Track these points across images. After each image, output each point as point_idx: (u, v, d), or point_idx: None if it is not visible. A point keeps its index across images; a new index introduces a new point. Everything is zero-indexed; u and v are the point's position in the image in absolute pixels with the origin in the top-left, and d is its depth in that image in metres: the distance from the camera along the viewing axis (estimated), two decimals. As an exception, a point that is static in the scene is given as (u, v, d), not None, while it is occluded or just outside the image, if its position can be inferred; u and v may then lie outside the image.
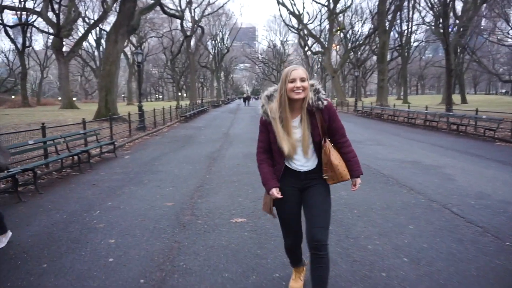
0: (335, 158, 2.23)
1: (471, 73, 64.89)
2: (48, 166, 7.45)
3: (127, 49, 50.37)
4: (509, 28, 35.05)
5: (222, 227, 3.96)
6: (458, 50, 36.43)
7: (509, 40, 37.15)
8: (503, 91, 78.14)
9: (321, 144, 2.25)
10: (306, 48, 55.79)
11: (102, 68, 21.14)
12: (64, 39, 32.34)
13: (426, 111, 17.49)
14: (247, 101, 50.90)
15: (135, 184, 6.16)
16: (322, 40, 45.85)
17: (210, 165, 7.68)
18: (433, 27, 43.12)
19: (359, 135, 12.92)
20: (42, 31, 37.43)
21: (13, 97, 48.08)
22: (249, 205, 4.75)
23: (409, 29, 48.58)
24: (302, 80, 2.16)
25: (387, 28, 33.23)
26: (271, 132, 2.25)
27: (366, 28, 62.02)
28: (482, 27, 40.23)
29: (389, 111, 21.41)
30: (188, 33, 43.57)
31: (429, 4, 39.70)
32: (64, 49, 33.44)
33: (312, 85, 2.24)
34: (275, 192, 2.22)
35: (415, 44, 53.83)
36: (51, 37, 34.84)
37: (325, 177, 2.27)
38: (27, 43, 42.24)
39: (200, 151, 9.70)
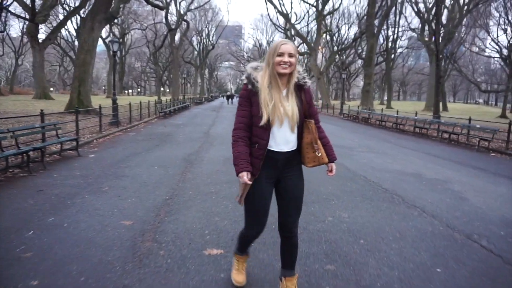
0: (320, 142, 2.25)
1: (451, 82, 65.95)
2: (-11, 165, 6.25)
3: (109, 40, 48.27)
4: (489, 39, 35.48)
5: (191, 263, 2.97)
6: (440, 58, 36.45)
7: (489, 50, 37.65)
8: (481, 100, 79.89)
9: (303, 123, 2.21)
10: (293, 49, 55.09)
11: (77, 57, 19.68)
12: (41, 27, 30.46)
13: (415, 118, 16.92)
14: (230, 99, 49.86)
15: (91, 192, 5.09)
16: (308, 41, 45.22)
17: (185, 170, 6.65)
18: (418, 34, 43.49)
19: (348, 140, 12.13)
20: (16, 16, 35.23)
21: (-16, 84, 45.37)
22: (228, 228, 3.77)
23: (396, 35, 48.71)
24: (290, 55, 2.10)
25: (375, 31, 32.84)
26: (255, 105, 2.12)
27: (353, 31, 62.13)
28: (462, 36, 40.66)
29: (377, 116, 20.82)
30: (173, 27, 42.08)
31: (415, 9, 39.84)
32: (42, 36, 31.55)
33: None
34: (246, 176, 2.07)
35: (400, 50, 54.13)
36: (28, 23, 32.78)
37: (318, 154, 2.23)
38: (1, 28, 39.73)
39: (176, 153, 8.64)
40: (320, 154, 2.23)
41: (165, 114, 21.29)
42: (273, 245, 3.30)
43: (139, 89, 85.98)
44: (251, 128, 2.17)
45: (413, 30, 46.62)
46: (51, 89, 63.67)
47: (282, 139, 2.16)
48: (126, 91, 74.81)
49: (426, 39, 39.73)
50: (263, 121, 2.08)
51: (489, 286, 2.71)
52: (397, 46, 51.03)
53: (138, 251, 3.18)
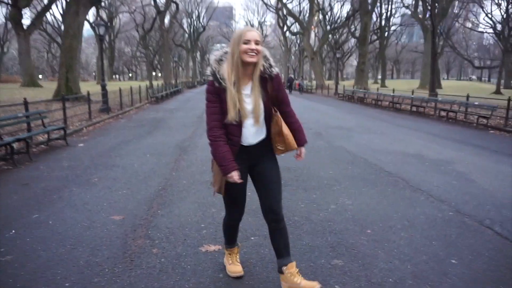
0: (285, 128, 2.22)
1: (444, 59, 65.47)
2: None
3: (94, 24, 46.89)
4: (483, 13, 34.96)
5: (187, 262, 2.74)
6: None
7: (482, 26, 37.17)
8: (474, 77, 79.67)
9: (270, 114, 2.18)
10: (285, 29, 54.16)
11: (62, 42, 18.96)
12: (26, 12, 29.36)
13: (412, 96, 16.67)
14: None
15: (79, 185, 4.80)
16: (301, 20, 44.30)
17: (178, 158, 6.37)
18: (412, 11, 42.75)
19: (345, 121, 11.88)
20: (-3, 1, 33.87)
21: (-31, 73, 44.14)
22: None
23: (389, 12, 47.91)
24: (257, 43, 2.02)
25: (369, 8, 32.12)
26: (224, 101, 2.05)
27: (345, 10, 61.02)
28: (458, 12, 40.08)
29: (373, 96, 20.54)
30: (162, 9, 40.86)
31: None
32: (27, 22, 30.44)
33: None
34: (236, 176, 2.07)
35: (393, 28, 53.39)
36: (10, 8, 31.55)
37: (280, 148, 2.24)
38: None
39: (169, 139, 8.34)
40: (283, 148, 2.25)
41: (157, 99, 20.84)
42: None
43: (130, 74, 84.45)
44: (224, 124, 2.10)
45: (406, 7, 45.82)
46: (40, 76, 62.29)
47: (249, 134, 2.14)
48: (117, 77, 73.47)
49: (420, 16, 39.10)
50: (229, 119, 2.04)
51: (510, 278, 2.51)
52: (390, 23, 50.34)
53: (129, 250, 2.94)
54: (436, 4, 28.78)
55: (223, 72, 2.06)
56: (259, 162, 2.25)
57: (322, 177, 5.06)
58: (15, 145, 6.87)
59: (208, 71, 2.10)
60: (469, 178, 5.09)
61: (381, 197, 4.20)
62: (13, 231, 3.35)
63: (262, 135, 2.20)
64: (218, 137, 2.08)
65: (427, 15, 38.39)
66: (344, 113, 14.94)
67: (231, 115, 2.03)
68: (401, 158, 6.34)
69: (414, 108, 15.75)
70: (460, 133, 10.00)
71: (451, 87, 37.38)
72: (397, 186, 4.66)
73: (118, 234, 3.24)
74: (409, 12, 45.86)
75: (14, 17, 28.41)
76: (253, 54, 2.00)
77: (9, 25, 46.52)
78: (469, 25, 47.15)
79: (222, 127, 2.09)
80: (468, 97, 13.26)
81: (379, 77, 59.37)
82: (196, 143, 7.85)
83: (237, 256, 2.58)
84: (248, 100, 2.09)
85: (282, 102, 2.23)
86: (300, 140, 2.29)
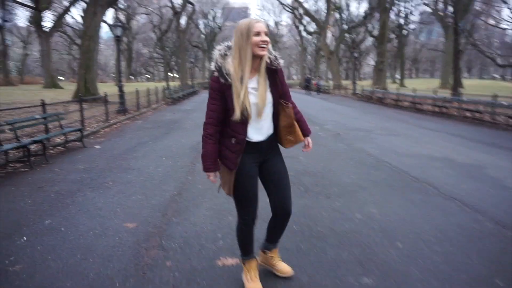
0: (295, 119, 2.20)
1: (465, 57, 63.50)
2: (-12, 160, 5.91)
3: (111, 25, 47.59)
4: (506, 9, 33.60)
5: (202, 278, 2.54)
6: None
7: (506, 23, 35.78)
8: (497, 75, 77.05)
9: (277, 107, 2.13)
10: (301, 28, 53.69)
11: (81, 44, 19.21)
12: (47, 14, 30.03)
13: (435, 96, 16.09)
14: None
15: (94, 189, 4.69)
16: (317, 20, 43.77)
17: (194, 161, 6.21)
18: (432, 8, 41.63)
19: (365, 122, 11.52)
20: (19, 3, 34.77)
21: (-2, 75, 45.41)
22: (243, 229, 3.33)
23: (408, 9, 46.82)
24: (266, 34, 1.94)
25: (387, 6, 31.39)
26: (229, 99, 1.97)
27: (362, 8, 60.05)
28: (483, 9, 38.74)
29: (392, 96, 19.99)
30: (178, 10, 41.10)
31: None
32: (49, 25, 31.15)
33: None
34: (212, 177, 2.15)
35: (412, 26, 52.15)
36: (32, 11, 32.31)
37: (291, 139, 2.20)
38: (8, 18, 39.37)
39: (185, 141, 8.20)
40: (293, 139, 2.22)
41: (174, 100, 20.87)
42: (297, 252, 2.85)
43: (148, 75, 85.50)
44: (222, 122, 2.07)
45: (426, 4, 44.68)
46: (61, 77, 63.72)
47: (256, 130, 2.09)
48: (135, 78, 74.48)
49: (440, 13, 38.03)
50: (235, 117, 1.97)
51: None
52: (409, 21, 49.18)
53: (141, 262, 2.76)
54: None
55: (228, 67, 1.97)
56: (269, 158, 2.21)
57: (344, 183, 4.80)
58: (32, 147, 6.90)
59: (212, 66, 2.00)
60: (505, 185, 4.72)
61: (409, 206, 3.91)
62: (25, 238, 3.23)
63: (270, 130, 2.15)
64: (211, 135, 2.06)
65: (448, 12, 37.45)
66: (363, 114, 14.53)
67: (237, 115, 1.96)
68: (427, 162, 5.99)
69: (436, 109, 15.19)
70: (488, 135, 9.51)
71: (474, 86, 36.17)
72: (426, 193, 4.35)
73: (131, 243, 3.08)
74: (428, 10, 44.72)
75: (35, 20, 29.13)
76: (264, 46, 1.93)
77: (32, 28, 48.02)
78: (491, 21, 45.61)
79: (217, 125, 2.06)
80: (496, 96, 12.65)
81: (397, 76, 58.16)
82: (212, 145, 7.67)
83: (256, 272, 2.40)
84: (255, 94, 2.01)
85: (285, 95, 2.18)
86: (306, 130, 2.30)
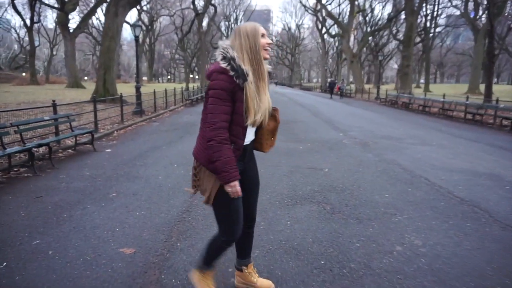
0: None
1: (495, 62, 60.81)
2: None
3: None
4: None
5: (206, 334, 1.99)
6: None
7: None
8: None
9: None
10: (323, 31, 52.83)
11: (101, 44, 19.15)
12: (73, 16, 30.63)
13: (467, 102, 15.08)
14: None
15: (95, 201, 4.23)
16: (340, 22, 42.82)
17: (208, 170, 5.69)
18: (461, 11, 39.96)
19: (393, 130, 10.74)
20: (46, 5, 35.54)
21: (23, 74, 46.80)
22: (260, 261, 2.76)
23: (436, 12, 45.23)
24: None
25: (415, 8, 30.19)
26: (239, 102, 1.85)
27: (387, 11, 58.56)
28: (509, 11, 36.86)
29: (419, 101, 18.99)
30: (200, 12, 41.08)
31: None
32: (74, 26, 31.71)
33: None
34: (238, 187, 1.88)
35: (438, 29, 50.34)
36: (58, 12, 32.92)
37: (270, 143, 2.18)
38: (36, 19, 40.34)
39: (200, 146, 7.71)
40: (273, 143, 2.19)
41: (192, 102, 20.56)
42: (296, 258, 2.26)
43: (169, 77, 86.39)
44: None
45: (455, 6, 43.00)
46: (85, 77, 65.06)
47: (248, 135, 2.02)
48: (156, 79, 75.33)
49: (470, 16, 36.41)
50: (249, 121, 1.88)
51: None
52: (436, 24, 47.48)
53: (133, 305, 2.24)
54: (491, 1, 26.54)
55: (244, 67, 1.83)
56: (247, 167, 2.12)
57: (377, 203, 4.16)
58: (40, 150, 6.56)
59: (225, 65, 1.78)
60: None
61: (460, 236, 3.24)
62: (5, 263, 2.77)
63: (252, 136, 2.09)
64: (225, 140, 1.85)
65: (482, 14, 35.74)
66: (389, 120, 13.72)
67: (253, 117, 1.88)
68: (471, 178, 5.26)
69: (469, 116, 14.20)
70: (532, 146, 8.60)
71: (504, 92, 34.29)
72: (477, 219, 3.66)
73: (124, 278, 2.56)
74: (456, 13, 43.06)
75: (61, 21, 29.60)
76: (269, 49, 1.93)
77: (58, 29, 49.16)
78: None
79: (228, 130, 1.89)
80: (537, 104, 11.62)
81: (421, 81, 56.31)
82: (229, 151, 7.15)
83: (213, 281, 2.28)
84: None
85: None
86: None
